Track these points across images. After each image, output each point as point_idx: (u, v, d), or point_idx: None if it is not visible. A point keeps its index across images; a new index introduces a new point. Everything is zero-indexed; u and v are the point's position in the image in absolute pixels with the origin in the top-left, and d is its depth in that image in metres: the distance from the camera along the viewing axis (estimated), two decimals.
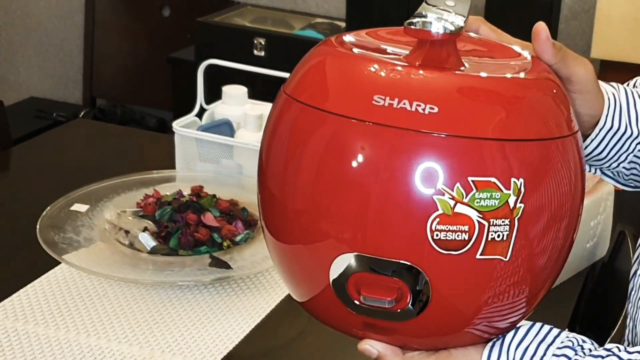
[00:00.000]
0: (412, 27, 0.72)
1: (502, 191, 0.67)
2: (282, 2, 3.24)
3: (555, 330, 0.77)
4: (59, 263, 1.35)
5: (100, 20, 3.42)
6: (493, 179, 0.67)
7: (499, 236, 0.68)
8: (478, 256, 0.68)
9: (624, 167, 0.94)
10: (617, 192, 1.51)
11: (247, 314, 1.29)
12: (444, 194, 0.66)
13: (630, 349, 0.75)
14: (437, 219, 0.67)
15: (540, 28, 0.78)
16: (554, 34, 2.71)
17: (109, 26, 3.42)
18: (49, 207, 1.45)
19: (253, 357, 1.23)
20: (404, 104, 0.67)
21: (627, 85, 0.97)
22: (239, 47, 2.88)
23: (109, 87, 3.47)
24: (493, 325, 0.75)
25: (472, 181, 0.67)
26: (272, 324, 1.28)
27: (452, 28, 0.72)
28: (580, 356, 0.74)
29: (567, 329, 0.78)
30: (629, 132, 0.91)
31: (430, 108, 0.67)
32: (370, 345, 0.76)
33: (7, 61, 3.70)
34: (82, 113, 3.29)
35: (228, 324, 1.26)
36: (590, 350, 0.75)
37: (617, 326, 1.26)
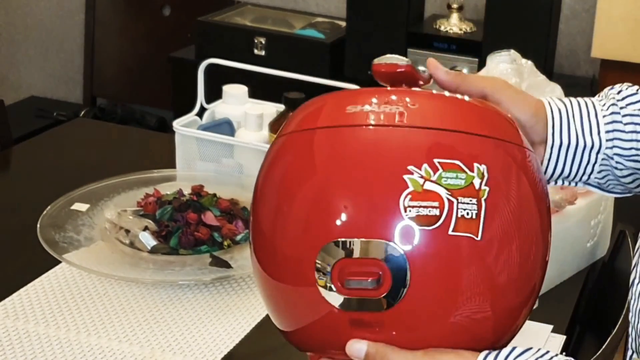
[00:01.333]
0: (380, 62, 0.83)
1: (466, 173, 0.74)
2: (282, 2, 3.24)
3: (552, 352, 0.77)
4: (60, 262, 1.35)
5: (100, 19, 3.42)
6: (457, 162, 0.74)
7: (468, 214, 0.74)
8: (450, 232, 0.73)
9: (596, 179, 0.93)
10: None
11: (247, 313, 1.29)
12: (413, 174, 0.73)
13: None
14: (409, 196, 0.73)
15: (431, 60, 0.88)
16: (554, 34, 2.71)
17: (110, 25, 3.42)
18: (49, 206, 1.45)
19: (253, 356, 1.23)
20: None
21: (611, 89, 0.96)
22: (240, 46, 2.88)
23: (110, 87, 3.47)
24: (476, 319, 0.75)
25: (438, 162, 0.74)
26: (272, 324, 1.27)
27: (411, 62, 0.84)
28: None
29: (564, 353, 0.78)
30: (582, 143, 0.89)
31: (397, 107, 0.77)
32: (358, 344, 0.75)
33: (7, 60, 3.70)
34: (82, 112, 3.29)
35: (228, 323, 1.26)
36: None
37: (618, 325, 1.26)
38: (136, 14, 3.38)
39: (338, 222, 0.74)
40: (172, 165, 1.66)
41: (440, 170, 0.74)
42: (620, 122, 0.90)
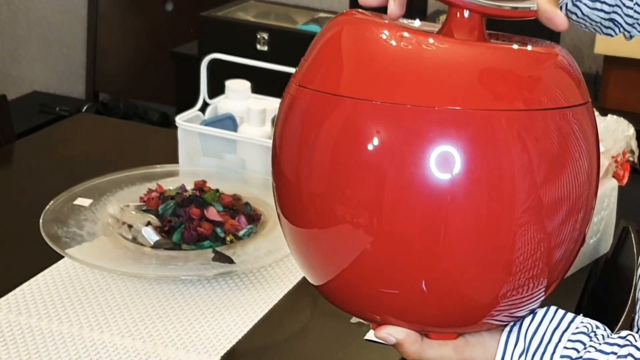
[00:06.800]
0: None
1: None
2: None
3: (570, 316, 0.76)
4: (62, 257, 1.35)
5: (103, 14, 3.42)
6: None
7: None
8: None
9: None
10: (621, 188, 1.50)
11: (250, 309, 1.29)
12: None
13: None
14: None
15: None
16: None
17: (112, 21, 3.42)
18: (52, 202, 1.45)
19: (256, 351, 1.23)
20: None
21: None
22: (242, 41, 2.88)
23: (112, 82, 3.48)
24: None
25: None
26: (275, 319, 1.28)
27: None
28: (594, 342, 0.74)
29: (581, 314, 0.78)
30: None
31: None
32: (389, 333, 0.74)
33: (10, 55, 3.70)
34: (85, 107, 3.29)
35: (231, 318, 1.26)
36: (603, 336, 0.75)
37: (621, 322, 1.26)
38: (139, 9, 3.38)
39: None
40: (174, 160, 1.66)
41: None
42: None
